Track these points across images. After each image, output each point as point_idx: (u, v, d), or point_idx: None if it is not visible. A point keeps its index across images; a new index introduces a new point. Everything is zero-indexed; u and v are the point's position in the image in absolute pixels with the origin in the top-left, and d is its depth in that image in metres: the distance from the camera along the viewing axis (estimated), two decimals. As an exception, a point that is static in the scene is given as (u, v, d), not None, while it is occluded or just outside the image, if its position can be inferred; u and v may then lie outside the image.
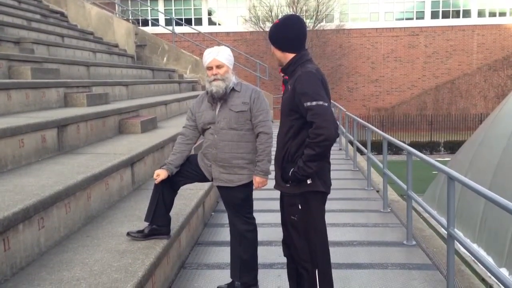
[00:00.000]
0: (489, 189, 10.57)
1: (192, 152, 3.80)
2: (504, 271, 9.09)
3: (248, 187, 3.53)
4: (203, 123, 3.54)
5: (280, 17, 3.09)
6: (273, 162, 3.13)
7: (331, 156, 3.03)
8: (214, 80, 3.39)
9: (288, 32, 2.92)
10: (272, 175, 3.17)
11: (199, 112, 3.58)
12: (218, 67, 3.40)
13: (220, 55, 3.41)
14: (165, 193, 3.57)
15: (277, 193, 3.12)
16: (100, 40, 13.27)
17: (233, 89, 3.45)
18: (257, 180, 3.47)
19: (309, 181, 2.87)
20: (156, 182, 3.53)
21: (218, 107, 3.47)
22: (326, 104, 2.75)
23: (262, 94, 3.55)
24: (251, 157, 3.47)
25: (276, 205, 3.20)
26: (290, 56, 2.94)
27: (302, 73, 2.83)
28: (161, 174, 3.51)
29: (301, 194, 2.91)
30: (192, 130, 3.66)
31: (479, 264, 5.08)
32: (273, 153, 3.14)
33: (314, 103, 2.73)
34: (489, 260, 9.46)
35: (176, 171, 3.59)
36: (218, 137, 3.45)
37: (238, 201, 3.54)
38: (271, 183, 3.17)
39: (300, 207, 2.92)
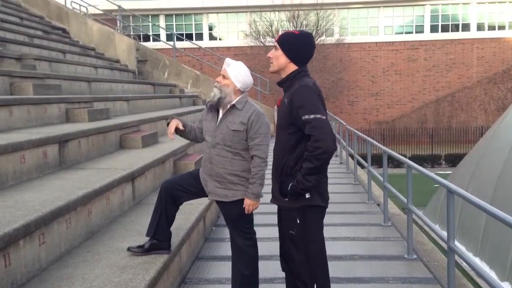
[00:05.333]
0: (490, 201, 10.41)
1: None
2: (506, 286, 9.02)
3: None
4: (205, 132, 3.61)
5: (297, 29, 3.09)
6: (269, 176, 3.14)
7: (332, 170, 3.05)
8: (215, 87, 3.49)
9: (304, 45, 2.95)
10: (268, 189, 3.17)
11: (205, 120, 3.63)
12: (224, 77, 3.48)
13: (230, 67, 3.47)
14: (167, 208, 3.57)
15: (276, 207, 3.13)
16: (101, 55, 13.38)
17: (234, 106, 3.45)
18: (247, 202, 3.43)
19: (307, 195, 2.88)
20: (170, 131, 3.60)
21: (218, 120, 3.50)
22: (324, 117, 2.78)
23: (264, 117, 3.46)
24: (246, 175, 3.44)
25: (276, 219, 3.20)
26: (292, 68, 2.95)
27: (299, 87, 2.85)
28: (172, 122, 3.60)
29: (299, 208, 2.91)
30: (199, 132, 3.73)
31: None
32: (269, 168, 3.14)
33: (312, 116, 2.75)
34: (491, 274, 9.40)
35: (179, 180, 3.61)
36: (214, 151, 3.48)
37: (235, 216, 3.53)
38: (269, 197, 3.17)
39: (298, 221, 2.93)
